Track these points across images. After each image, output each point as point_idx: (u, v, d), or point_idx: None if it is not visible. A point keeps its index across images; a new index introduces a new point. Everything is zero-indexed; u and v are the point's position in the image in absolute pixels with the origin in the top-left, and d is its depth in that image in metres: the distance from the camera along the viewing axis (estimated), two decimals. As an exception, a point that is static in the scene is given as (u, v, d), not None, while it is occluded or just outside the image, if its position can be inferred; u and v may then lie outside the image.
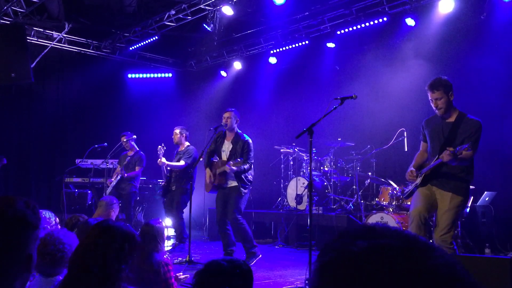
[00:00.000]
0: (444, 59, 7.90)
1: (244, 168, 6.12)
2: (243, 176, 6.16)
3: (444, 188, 4.30)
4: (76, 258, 2.16)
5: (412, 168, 4.52)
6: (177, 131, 7.74)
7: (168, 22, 9.30)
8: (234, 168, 5.99)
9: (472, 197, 6.76)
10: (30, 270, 1.45)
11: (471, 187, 6.34)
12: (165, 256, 3.66)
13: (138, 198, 8.48)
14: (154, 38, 9.83)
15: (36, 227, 1.45)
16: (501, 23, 7.29)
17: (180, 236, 7.53)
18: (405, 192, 4.77)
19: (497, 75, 7.35)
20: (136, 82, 11.48)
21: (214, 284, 1.81)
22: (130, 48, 10.49)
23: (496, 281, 2.97)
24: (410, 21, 7.88)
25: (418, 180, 4.43)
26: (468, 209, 6.66)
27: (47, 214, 3.65)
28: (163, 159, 7.43)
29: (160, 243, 3.59)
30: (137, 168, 8.08)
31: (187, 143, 7.71)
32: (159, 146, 7.48)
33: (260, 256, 6.27)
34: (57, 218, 4.83)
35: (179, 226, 7.56)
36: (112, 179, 8.02)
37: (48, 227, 3.37)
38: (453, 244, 4.25)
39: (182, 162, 7.45)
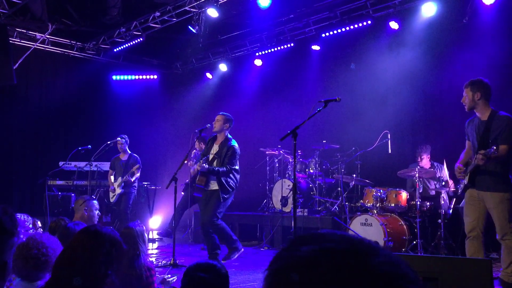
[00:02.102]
0: (427, 62, 7.99)
1: (219, 170, 6.12)
2: (223, 181, 6.16)
3: (482, 188, 4.49)
4: (61, 263, 2.14)
5: (460, 165, 4.73)
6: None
7: (153, 23, 9.27)
8: (205, 166, 6.05)
9: (454, 199, 6.85)
10: (5, 279, 1.43)
11: (453, 189, 6.45)
12: (148, 260, 3.63)
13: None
14: (139, 40, 9.77)
15: (13, 234, 1.43)
16: (483, 26, 7.40)
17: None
18: (459, 189, 4.92)
19: (482, 75, 7.44)
20: (120, 84, 11.40)
21: None
22: (115, 50, 10.42)
23: (477, 282, 2.99)
24: (393, 25, 7.97)
25: (466, 179, 4.63)
26: (451, 211, 6.74)
27: (22, 217, 3.60)
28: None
29: (141, 246, 3.56)
30: (136, 171, 8.16)
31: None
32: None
33: (242, 250, 6.31)
34: (39, 222, 4.78)
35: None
36: (114, 187, 8.09)
37: (23, 230, 3.33)
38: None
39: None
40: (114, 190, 8.19)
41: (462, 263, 3.23)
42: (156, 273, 3.71)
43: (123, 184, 8.09)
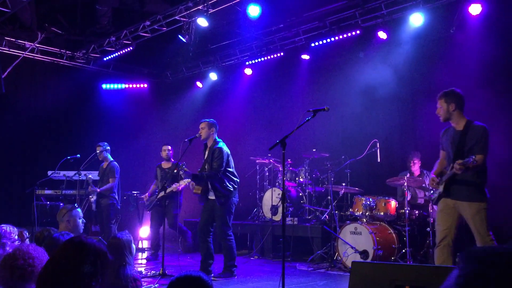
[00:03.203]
0: (415, 71, 8.07)
1: (203, 174, 6.08)
2: (216, 185, 6.11)
3: (460, 198, 4.51)
4: (46, 274, 2.12)
5: (433, 176, 4.76)
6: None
7: (143, 32, 9.27)
8: (187, 171, 6.10)
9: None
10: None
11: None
12: (134, 271, 3.60)
13: (119, 209, 8.38)
14: (129, 49, 9.77)
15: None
16: (469, 37, 7.49)
17: (186, 241, 8.12)
18: (432, 198, 4.92)
19: (466, 87, 7.53)
20: (110, 93, 11.37)
21: None
22: (105, 59, 10.40)
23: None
24: (382, 34, 8.05)
25: (441, 188, 4.64)
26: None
27: (8, 228, 3.56)
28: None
29: (127, 257, 3.53)
30: (110, 180, 8.00)
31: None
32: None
33: (235, 277, 6.22)
34: (27, 232, 4.73)
35: (182, 231, 8.06)
36: (90, 197, 8.02)
37: (9, 242, 3.29)
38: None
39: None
40: (91, 198, 8.03)
41: (450, 272, 3.24)
42: (143, 283, 3.68)
43: (96, 193, 7.95)
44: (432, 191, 4.89)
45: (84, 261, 2.08)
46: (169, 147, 8.16)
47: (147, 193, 8.36)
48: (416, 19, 7.58)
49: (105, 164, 8.24)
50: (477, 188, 4.47)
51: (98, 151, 8.11)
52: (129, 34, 9.45)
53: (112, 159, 8.28)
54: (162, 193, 7.59)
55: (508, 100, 7.21)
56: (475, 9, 7.11)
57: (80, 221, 4.55)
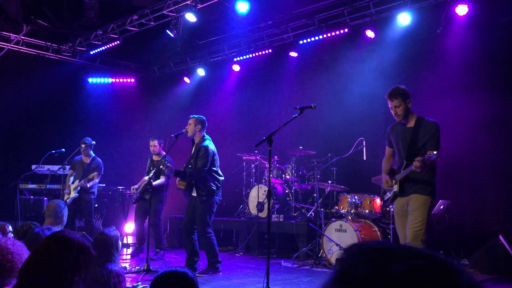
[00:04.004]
0: (402, 70, 8.12)
1: (186, 172, 6.06)
2: (199, 184, 6.09)
3: (409, 192, 4.48)
4: (27, 269, 2.10)
5: (387, 177, 4.70)
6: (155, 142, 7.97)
7: (131, 27, 9.20)
8: (170, 167, 6.16)
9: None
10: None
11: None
12: (118, 267, 3.57)
13: (96, 205, 8.32)
14: (116, 43, 9.68)
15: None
16: (456, 37, 7.56)
17: (160, 242, 7.79)
18: (385, 199, 4.86)
19: (451, 86, 7.62)
20: (97, 87, 11.26)
21: None
22: (91, 52, 10.29)
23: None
24: (370, 33, 8.09)
25: (395, 188, 4.59)
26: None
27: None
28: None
29: (114, 253, 3.51)
30: (95, 176, 7.92)
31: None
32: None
33: (220, 273, 6.22)
34: (10, 226, 4.68)
35: (158, 234, 7.81)
36: (70, 190, 7.89)
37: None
38: (424, 245, 4.36)
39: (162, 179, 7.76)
40: (69, 193, 7.89)
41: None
42: (126, 279, 3.66)
43: (79, 188, 7.83)
44: (387, 193, 4.79)
45: (67, 256, 2.06)
46: (156, 142, 8.07)
47: (136, 185, 8.24)
48: (404, 19, 7.62)
49: (85, 159, 8.10)
50: (428, 183, 4.44)
51: (83, 146, 8.00)
52: (116, 28, 9.36)
53: (94, 154, 8.20)
54: (143, 185, 7.60)
55: (493, 99, 7.29)
56: (461, 10, 7.18)
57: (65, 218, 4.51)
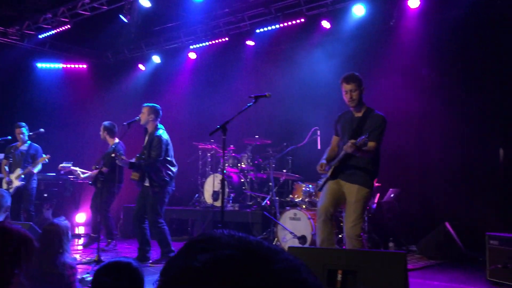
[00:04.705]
0: (355, 61, 8.24)
1: (140, 163, 5.98)
2: (152, 175, 6.01)
3: (351, 181, 4.52)
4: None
5: (323, 161, 4.70)
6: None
7: (82, 10, 8.88)
8: (125, 160, 5.99)
9: (378, 194, 7.14)
10: None
11: (377, 184, 6.72)
12: (70, 258, 3.47)
13: (45, 195, 8.06)
14: (66, 27, 9.32)
15: None
16: (408, 30, 7.75)
17: (110, 233, 7.53)
18: (318, 185, 4.91)
19: (403, 77, 7.81)
20: (46, 73, 10.84)
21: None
22: (40, 36, 9.87)
23: (393, 274, 3.14)
24: (325, 24, 8.16)
25: (329, 173, 4.62)
26: (374, 205, 7.02)
27: None
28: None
29: (65, 243, 3.40)
30: (39, 162, 7.65)
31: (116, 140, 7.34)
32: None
33: None
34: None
35: (108, 224, 7.54)
36: (11, 179, 7.56)
37: None
38: (361, 236, 4.46)
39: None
40: (11, 182, 7.57)
41: (379, 256, 3.37)
42: (78, 270, 3.56)
43: (22, 176, 7.56)
44: (320, 179, 4.84)
45: (5, 248, 1.98)
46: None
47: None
48: (358, 10, 7.74)
49: (19, 144, 7.74)
50: (368, 174, 4.52)
51: (19, 132, 7.68)
52: (66, 12, 9.01)
53: (30, 141, 7.86)
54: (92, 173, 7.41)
55: (444, 90, 7.54)
56: (413, 3, 7.35)
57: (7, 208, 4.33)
